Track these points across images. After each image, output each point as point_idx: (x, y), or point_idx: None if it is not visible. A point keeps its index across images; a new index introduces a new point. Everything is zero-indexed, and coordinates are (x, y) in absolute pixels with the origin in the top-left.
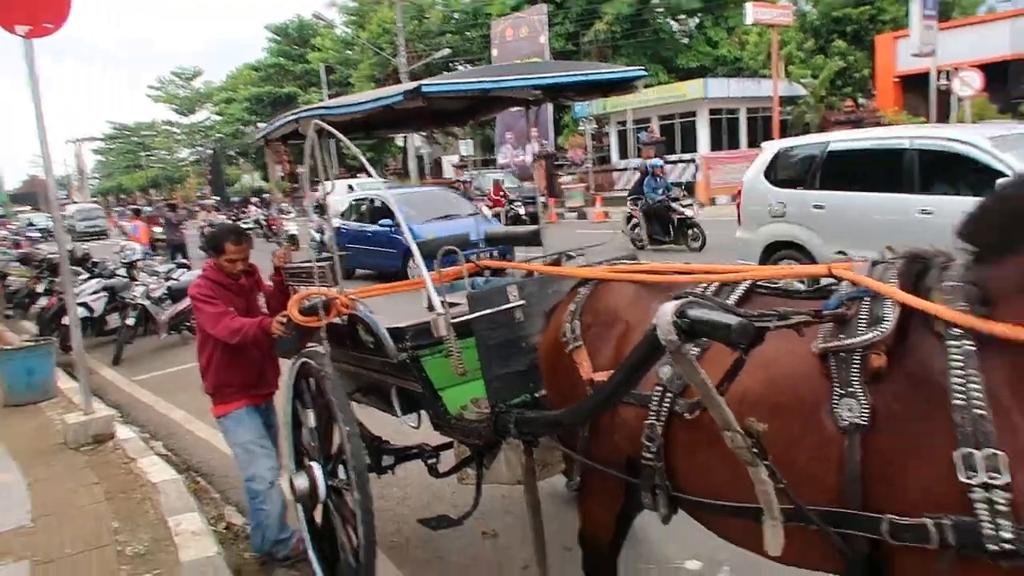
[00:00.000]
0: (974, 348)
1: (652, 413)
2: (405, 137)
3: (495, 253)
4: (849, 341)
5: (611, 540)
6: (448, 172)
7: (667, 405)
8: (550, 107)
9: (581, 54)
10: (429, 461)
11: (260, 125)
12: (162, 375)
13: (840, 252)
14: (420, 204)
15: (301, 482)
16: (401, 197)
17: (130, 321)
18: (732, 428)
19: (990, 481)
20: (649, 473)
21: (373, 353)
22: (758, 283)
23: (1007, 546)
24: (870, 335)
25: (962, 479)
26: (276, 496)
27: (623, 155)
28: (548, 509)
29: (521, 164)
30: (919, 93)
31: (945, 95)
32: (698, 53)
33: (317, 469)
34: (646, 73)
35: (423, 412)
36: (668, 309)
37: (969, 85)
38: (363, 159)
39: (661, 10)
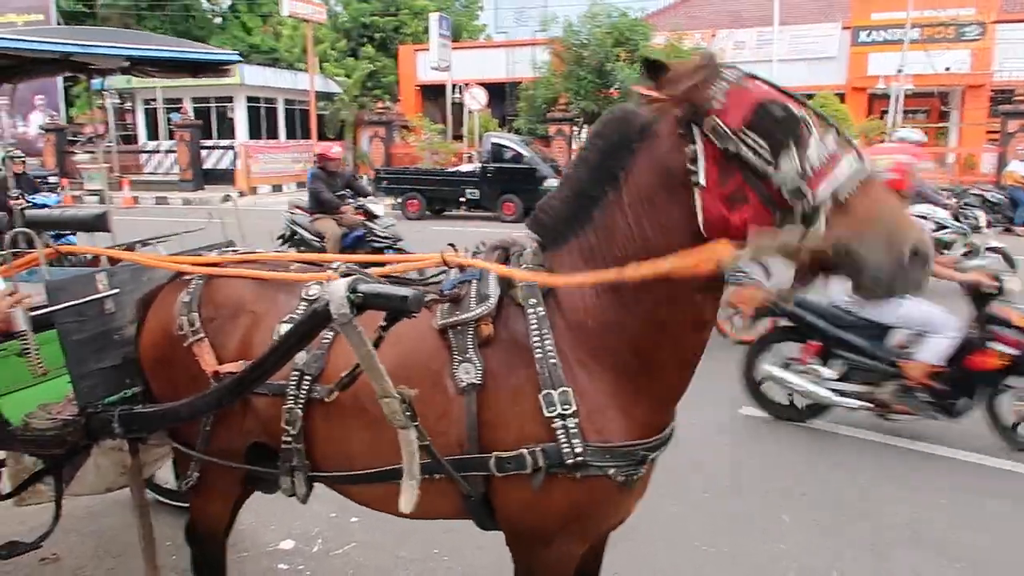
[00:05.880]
0: (544, 313)
1: (291, 398)
2: None
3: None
4: (464, 316)
5: (224, 530)
6: None
7: (305, 389)
8: None
9: (98, 19)
10: None
11: None
12: None
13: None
14: None
15: None
16: None
17: None
18: (390, 395)
19: (564, 411)
20: (288, 456)
21: None
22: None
23: (579, 458)
24: (480, 309)
25: (546, 414)
26: None
27: (152, 136)
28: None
29: (23, 137)
30: (436, 102)
31: (458, 106)
32: (232, 37)
33: None
34: (241, 58)
35: None
36: (341, 285)
37: (477, 100)
38: None
39: None
